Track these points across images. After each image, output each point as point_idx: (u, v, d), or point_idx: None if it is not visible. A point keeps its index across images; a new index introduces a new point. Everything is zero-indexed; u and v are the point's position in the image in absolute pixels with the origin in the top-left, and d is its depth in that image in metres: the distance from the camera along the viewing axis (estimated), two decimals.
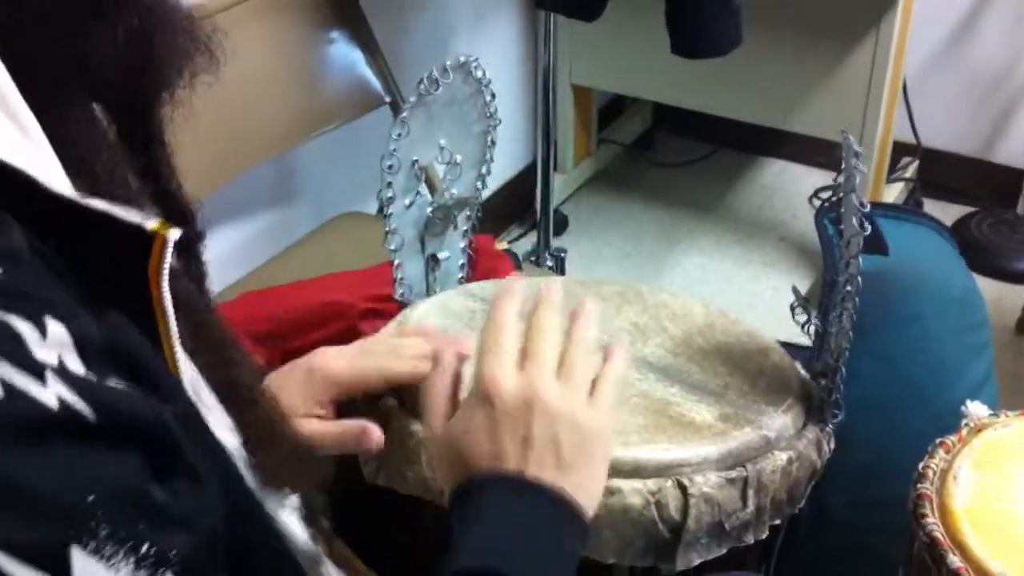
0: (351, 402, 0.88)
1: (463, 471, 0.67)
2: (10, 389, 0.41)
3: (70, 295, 0.45)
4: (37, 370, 0.42)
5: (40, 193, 0.46)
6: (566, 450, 0.67)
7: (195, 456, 0.49)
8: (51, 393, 0.42)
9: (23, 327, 0.42)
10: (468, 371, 0.74)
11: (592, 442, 0.69)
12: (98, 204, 0.47)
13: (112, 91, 0.53)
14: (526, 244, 2.37)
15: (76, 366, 0.43)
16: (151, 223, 0.48)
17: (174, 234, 0.48)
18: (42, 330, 0.43)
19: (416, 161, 0.98)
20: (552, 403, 0.67)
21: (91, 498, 0.42)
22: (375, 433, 0.84)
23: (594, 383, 0.71)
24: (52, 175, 0.47)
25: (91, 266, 0.47)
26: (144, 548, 0.43)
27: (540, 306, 0.72)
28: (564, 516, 0.66)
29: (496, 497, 0.66)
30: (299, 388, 0.85)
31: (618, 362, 0.74)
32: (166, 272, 0.49)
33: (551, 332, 0.71)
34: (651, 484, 0.83)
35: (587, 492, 0.68)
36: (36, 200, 0.45)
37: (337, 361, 0.87)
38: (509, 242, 2.32)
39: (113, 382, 0.45)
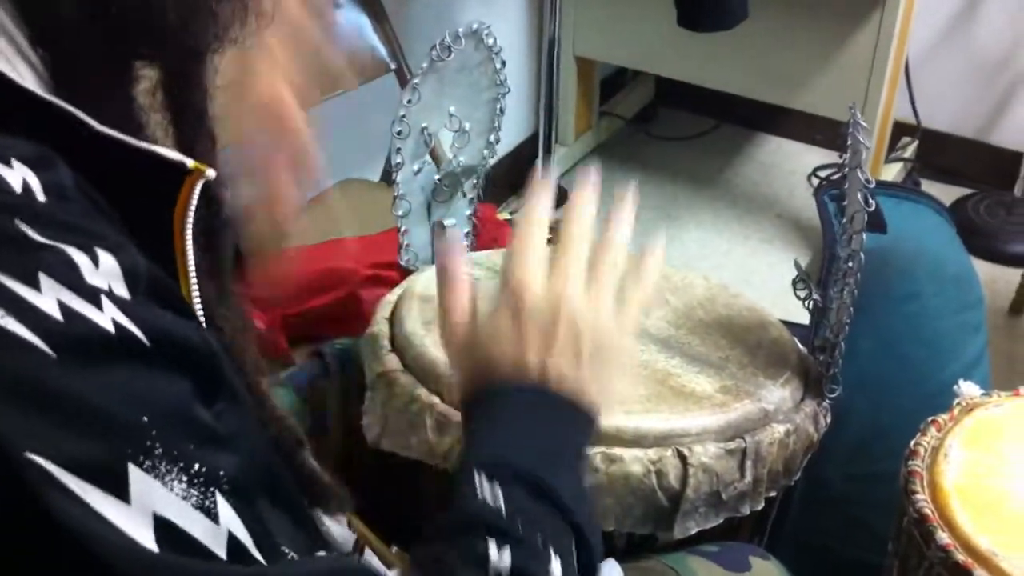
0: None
1: (483, 376, 0.67)
2: (68, 312, 0.42)
3: (112, 230, 0.47)
4: (93, 295, 0.43)
5: (81, 131, 0.47)
6: (585, 356, 0.66)
7: (236, 383, 0.50)
8: (107, 317, 0.43)
9: (77, 256, 0.44)
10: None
11: (612, 347, 0.68)
12: (140, 142, 0.48)
13: (171, 43, 0.54)
14: None
15: (124, 294, 0.45)
16: (191, 162, 0.49)
17: (211, 173, 0.50)
18: (94, 260, 0.44)
19: (425, 128, 0.98)
20: (578, 314, 0.67)
21: (145, 418, 0.43)
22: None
23: (623, 289, 0.70)
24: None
25: (121, 206, 0.49)
26: (195, 467, 0.44)
27: (570, 205, 0.71)
28: (576, 419, 0.66)
29: (513, 403, 0.66)
30: None
31: (650, 273, 0.72)
32: (191, 215, 0.51)
33: (581, 235, 0.70)
34: (652, 453, 0.84)
35: (604, 394, 0.68)
36: (75, 139, 0.47)
37: None
38: (510, 213, 2.33)
39: (158, 311, 0.46)
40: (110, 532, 0.41)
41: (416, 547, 0.59)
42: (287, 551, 0.50)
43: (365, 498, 0.89)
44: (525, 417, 0.65)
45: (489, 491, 0.59)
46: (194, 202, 0.51)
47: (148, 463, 0.42)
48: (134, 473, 0.42)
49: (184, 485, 0.44)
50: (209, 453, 0.45)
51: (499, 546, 0.56)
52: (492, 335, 0.67)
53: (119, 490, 0.41)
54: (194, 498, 0.44)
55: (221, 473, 0.45)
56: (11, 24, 0.49)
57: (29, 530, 0.40)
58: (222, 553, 0.44)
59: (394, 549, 0.84)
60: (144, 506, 0.42)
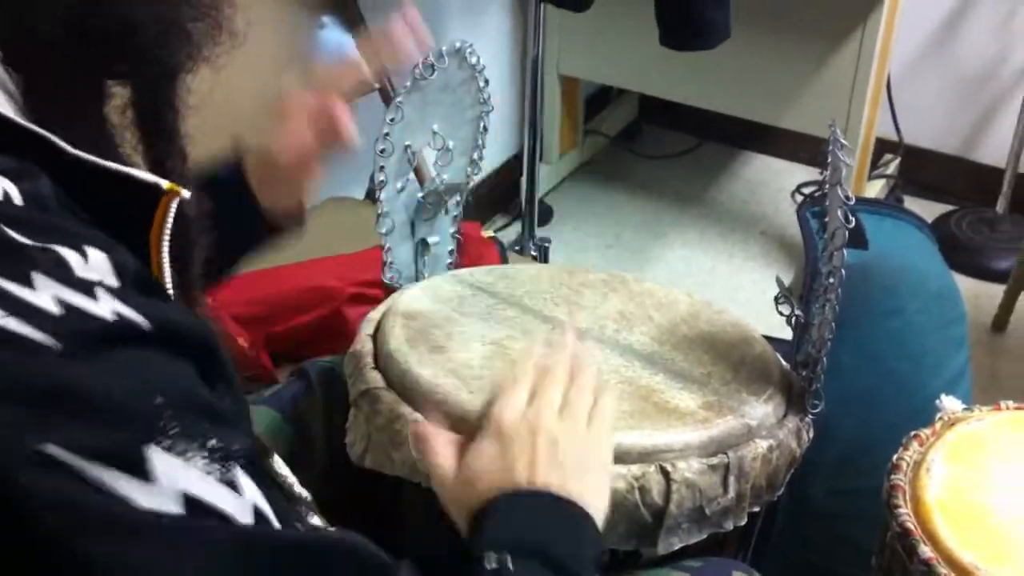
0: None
1: (477, 499, 0.70)
2: (67, 306, 0.43)
3: (97, 233, 0.48)
4: (87, 288, 0.44)
5: (58, 155, 0.47)
6: (568, 461, 0.71)
7: (230, 369, 0.51)
8: (105, 307, 0.44)
9: (66, 253, 0.44)
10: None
11: (591, 455, 0.74)
12: (115, 165, 0.49)
13: (145, 61, 0.54)
14: (511, 233, 2.38)
15: (116, 284, 0.46)
16: (165, 183, 0.50)
17: (185, 193, 0.50)
18: (83, 256, 0.45)
19: (409, 146, 0.99)
20: (553, 427, 0.73)
21: (159, 400, 0.44)
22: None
23: (589, 416, 0.76)
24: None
25: (99, 224, 0.49)
26: (212, 442, 0.45)
27: (552, 361, 0.78)
28: (573, 510, 0.69)
29: (514, 504, 0.69)
30: None
31: (608, 399, 0.79)
32: (167, 235, 0.51)
33: (557, 378, 0.77)
34: (635, 469, 0.84)
35: (590, 498, 0.71)
36: (53, 161, 0.47)
37: None
38: (495, 231, 2.33)
39: (152, 299, 0.47)
40: (139, 513, 0.42)
41: None
42: (298, 525, 0.51)
43: (349, 516, 0.89)
44: (528, 514, 0.68)
45: (505, 568, 0.60)
46: (170, 221, 0.52)
47: (167, 443, 0.43)
48: (156, 454, 0.43)
49: (205, 460, 0.44)
50: (222, 430, 0.46)
51: None
52: (479, 460, 0.72)
53: (143, 472, 0.42)
54: (216, 472, 0.45)
55: (236, 448, 0.46)
56: None
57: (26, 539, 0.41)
58: (249, 521, 0.45)
59: None
60: (171, 484, 0.43)
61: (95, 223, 0.49)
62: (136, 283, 0.47)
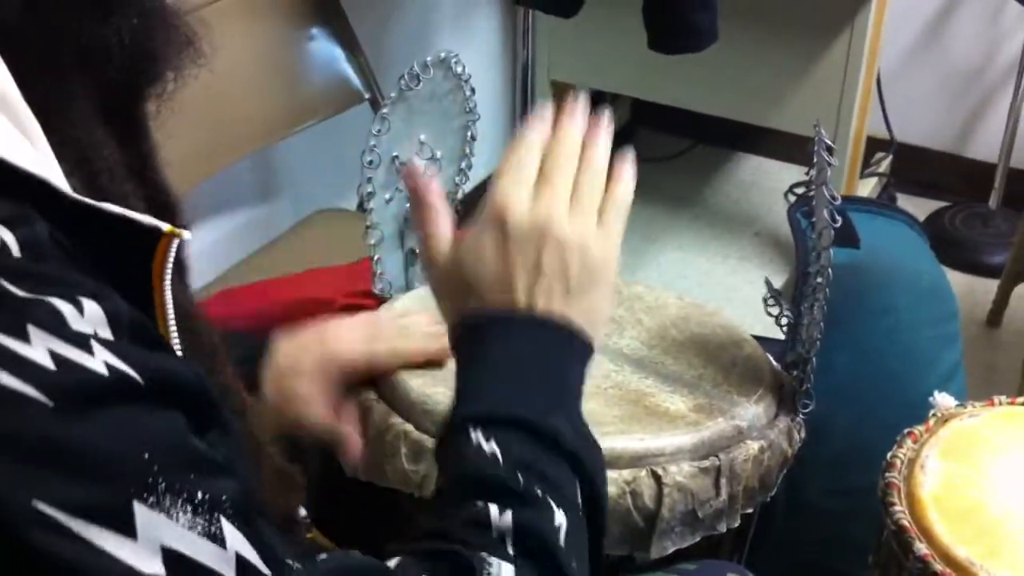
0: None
1: (471, 300, 0.67)
2: (60, 360, 0.43)
3: (91, 280, 0.47)
4: (82, 341, 0.44)
5: (56, 197, 0.47)
6: (574, 277, 0.67)
7: (226, 413, 0.51)
8: (98, 360, 0.44)
9: (61, 305, 0.44)
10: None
11: (599, 269, 0.69)
12: (113, 207, 0.49)
13: (107, 88, 0.54)
14: None
15: (110, 337, 0.46)
16: (166, 225, 0.50)
17: (186, 235, 0.51)
18: (78, 307, 0.45)
19: (396, 156, 0.99)
20: (563, 231, 0.67)
21: (147, 455, 0.44)
22: (357, 448, 0.88)
23: (602, 209, 0.71)
24: (57, 180, 0.49)
25: (96, 265, 0.49)
26: (198, 496, 0.45)
27: (558, 132, 0.71)
28: (571, 345, 0.66)
29: (503, 335, 0.65)
30: (313, 368, 0.88)
31: (625, 185, 0.73)
32: (168, 273, 0.51)
33: (567, 158, 0.70)
34: (626, 474, 0.84)
35: (593, 317, 0.68)
36: (50, 201, 0.47)
37: (351, 347, 0.90)
38: None
39: (145, 351, 0.47)
40: (122, 570, 0.42)
41: (423, 517, 0.60)
42: (292, 563, 0.51)
43: (343, 528, 0.90)
44: (516, 351, 0.65)
45: (486, 448, 0.59)
46: (170, 263, 0.52)
47: (152, 498, 0.43)
48: (139, 510, 0.43)
49: (189, 515, 0.45)
50: (210, 480, 0.46)
51: (500, 508, 0.57)
52: (477, 257, 0.67)
53: (126, 528, 0.42)
54: (200, 526, 0.45)
55: (224, 498, 0.46)
56: None
57: None
58: (231, 575, 0.46)
59: None
60: (151, 540, 0.43)
61: (93, 266, 0.49)
62: (131, 331, 0.47)
